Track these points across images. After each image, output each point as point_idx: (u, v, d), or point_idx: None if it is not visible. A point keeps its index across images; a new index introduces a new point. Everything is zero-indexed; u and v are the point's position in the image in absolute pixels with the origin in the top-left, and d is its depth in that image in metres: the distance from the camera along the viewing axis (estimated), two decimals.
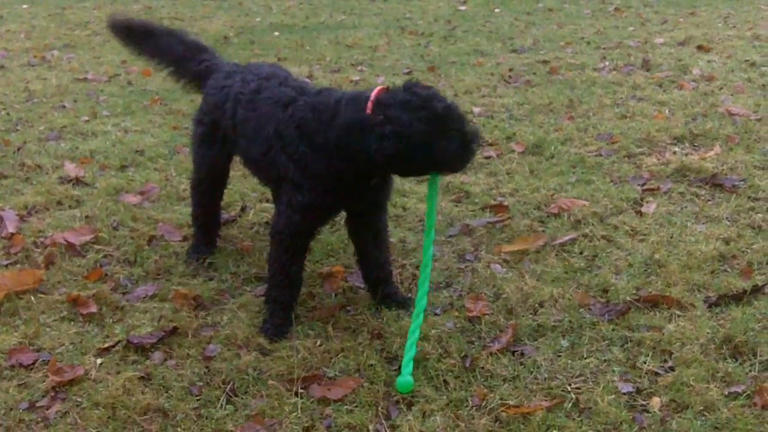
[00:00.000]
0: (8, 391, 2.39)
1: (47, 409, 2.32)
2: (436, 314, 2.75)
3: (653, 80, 5.67)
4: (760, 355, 2.45)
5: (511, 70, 6.22)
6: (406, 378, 2.34)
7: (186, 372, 2.47)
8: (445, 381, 2.39)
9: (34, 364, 2.53)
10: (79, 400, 2.36)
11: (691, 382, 2.32)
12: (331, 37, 7.94)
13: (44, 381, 2.43)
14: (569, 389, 2.34)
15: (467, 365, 2.45)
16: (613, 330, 2.61)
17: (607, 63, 6.27)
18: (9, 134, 4.90)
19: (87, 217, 3.61)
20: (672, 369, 2.41)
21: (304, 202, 2.55)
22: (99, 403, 2.32)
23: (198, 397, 2.36)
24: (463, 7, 9.74)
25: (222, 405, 2.32)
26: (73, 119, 5.19)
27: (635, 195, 3.67)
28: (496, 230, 3.39)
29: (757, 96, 5.15)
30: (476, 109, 5.08)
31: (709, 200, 3.62)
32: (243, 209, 3.67)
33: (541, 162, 4.17)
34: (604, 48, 6.90)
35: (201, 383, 2.42)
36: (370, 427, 2.21)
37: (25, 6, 10.68)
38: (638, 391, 2.33)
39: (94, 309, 2.81)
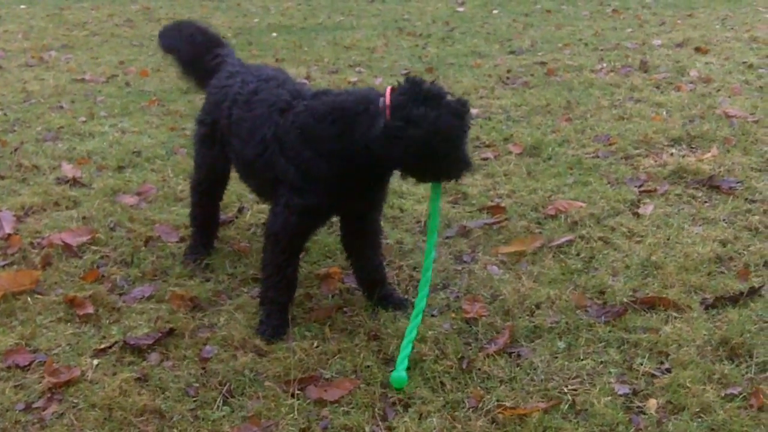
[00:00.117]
0: (4, 393, 2.39)
1: (43, 411, 2.31)
2: (433, 315, 2.75)
3: (651, 82, 5.68)
4: (757, 357, 2.45)
5: (508, 71, 6.22)
6: (400, 373, 2.34)
7: (183, 373, 2.46)
8: (441, 382, 2.39)
9: (30, 365, 2.52)
10: (76, 401, 2.35)
11: (688, 384, 2.32)
12: (329, 38, 7.94)
13: (41, 382, 2.42)
14: (566, 391, 2.34)
15: (464, 367, 2.45)
16: (609, 331, 2.61)
17: (604, 64, 6.28)
18: (6, 135, 4.90)
19: (84, 217, 3.61)
20: (668, 371, 2.41)
21: (302, 204, 2.55)
22: (95, 405, 2.32)
23: (195, 399, 2.36)
24: (461, 9, 9.75)
25: (219, 406, 2.32)
26: (70, 120, 5.19)
27: (632, 197, 3.67)
28: (493, 232, 3.39)
29: (754, 98, 5.16)
30: (474, 111, 5.08)
31: (706, 202, 3.63)
32: (240, 210, 3.67)
33: (539, 163, 4.17)
34: (601, 49, 6.91)
35: (198, 384, 2.41)
36: (367, 429, 2.21)
37: (23, 6, 10.67)
38: (635, 392, 2.33)
39: (90, 310, 2.81)
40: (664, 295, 2.80)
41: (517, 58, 6.76)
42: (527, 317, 2.72)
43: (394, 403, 2.31)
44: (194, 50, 3.19)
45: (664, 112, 4.93)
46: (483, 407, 2.27)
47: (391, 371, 2.39)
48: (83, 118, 5.23)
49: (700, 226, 3.37)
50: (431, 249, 2.49)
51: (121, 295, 2.96)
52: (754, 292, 2.79)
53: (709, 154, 4.13)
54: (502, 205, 3.63)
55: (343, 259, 3.13)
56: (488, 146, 4.45)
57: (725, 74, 5.81)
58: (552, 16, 8.96)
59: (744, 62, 6.14)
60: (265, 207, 3.66)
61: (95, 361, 2.53)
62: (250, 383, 2.41)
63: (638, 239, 3.27)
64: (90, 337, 2.68)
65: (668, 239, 3.25)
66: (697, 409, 2.24)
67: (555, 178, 3.95)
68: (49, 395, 2.38)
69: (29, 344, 2.64)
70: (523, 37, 7.67)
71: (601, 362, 2.47)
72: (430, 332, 2.60)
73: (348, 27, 8.73)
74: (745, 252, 3.13)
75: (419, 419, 2.24)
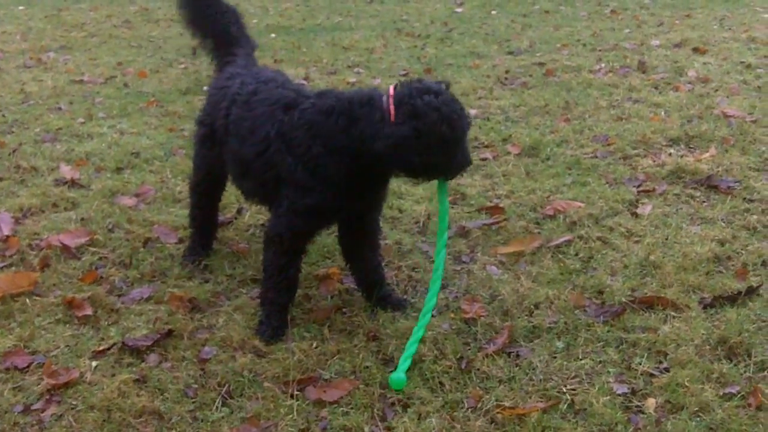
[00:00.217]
0: (3, 394, 2.38)
1: (42, 412, 2.31)
2: (432, 316, 2.74)
3: (649, 82, 5.68)
4: (755, 356, 2.46)
5: (507, 72, 6.22)
6: (399, 374, 2.35)
7: (181, 374, 2.46)
8: (440, 383, 2.39)
9: (28, 367, 2.52)
10: (74, 402, 2.35)
11: (686, 383, 2.32)
12: (328, 39, 7.94)
13: (39, 384, 2.42)
14: (564, 390, 2.34)
15: (463, 367, 2.45)
16: (608, 331, 2.62)
17: (603, 65, 6.28)
18: (4, 136, 4.90)
19: (82, 219, 3.61)
20: (667, 370, 2.42)
21: (308, 204, 2.54)
22: (94, 406, 2.32)
23: (193, 400, 2.35)
24: (459, 9, 9.75)
25: (217, 407, 2.32)
26: (68, 121, 5.18)
27: (631, 197, 3.68)
28: (492, 232, 3.40)
29: (752, 98, 5.16)
30: (472, 111, 5.08)
31: (704, 202, 3.63)
32: (239, 211, 3.67)
33: (537, 164, 4.17)
34: (600, 50, 6.92)
35: (196, 386, 2.41)
36: (366, 429, 2.21)
37: (21, 7, 10.67)
38: (633, 392, 2.33)
39: (89, 311, 2.80)
40: (662, 295, 2.80)
41: (516, 58, 6.76)
42: (526, 317, 2.72)
43: (393, 404, 2.31)
44: (219, 39, 3.24)
45: (663, 113, 4.93)
46: (482, 407, 2.27)
47: (391, 371, 2.39)
48: (81, 120, 5.23)
49: (698, 225, 3.38)
50: (442, 247, 2.51)
51: (119, 296, 2.96)
52: (752, 291, 2.79)
53: (707, 154, 4.14)
54: (501, 205, 3.63)
55: (342, 259, 3.13)
56: (487, 147, 4.45)
57: (723, 74, 5.82)
58: (550, 17, 8.96)
59: (742, 62, 6.15)
60: (264, 207, 3.66)
61: (94, 363, 2.53)
62: (249, 384, 2.41)
63: (637, 239, 3.27)
64: (89, 339, 2.68)
65: (667, 239, 3.25)
66: (696, 409, 2.24)
67: (553, 178, 3.95)
68: (47, 397, 2.38)
69: (28, 346, 2.64)
70: (521, 38, 7.67)
71: (600, 362, 2.47)
72: (429, 332, 2.60)
73: (346, 28, 8.73)
74: (744, 251, 3.13)
75: (418, 419, 2.24)
